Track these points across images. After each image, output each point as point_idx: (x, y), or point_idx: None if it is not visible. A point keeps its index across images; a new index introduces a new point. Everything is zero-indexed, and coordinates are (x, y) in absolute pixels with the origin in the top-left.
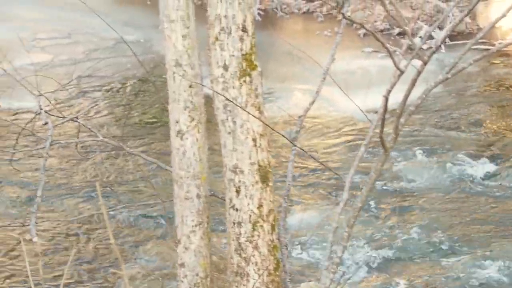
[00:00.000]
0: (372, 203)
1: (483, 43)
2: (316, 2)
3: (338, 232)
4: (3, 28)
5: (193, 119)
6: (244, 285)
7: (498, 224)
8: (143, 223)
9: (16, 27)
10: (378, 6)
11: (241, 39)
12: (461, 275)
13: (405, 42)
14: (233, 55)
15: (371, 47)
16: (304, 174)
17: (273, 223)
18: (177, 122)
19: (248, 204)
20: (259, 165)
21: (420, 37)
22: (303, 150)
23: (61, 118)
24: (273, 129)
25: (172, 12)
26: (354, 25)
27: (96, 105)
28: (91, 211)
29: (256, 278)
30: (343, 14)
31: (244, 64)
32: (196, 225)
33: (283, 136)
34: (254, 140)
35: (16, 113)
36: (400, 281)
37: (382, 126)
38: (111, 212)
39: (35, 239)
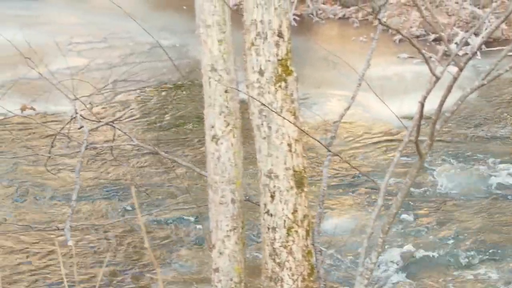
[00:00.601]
0: (406, 209)
1: None
2: (351, 8)
3: (372, 238)
4: (40, 33)
5: (228, 124)
6: None
7: None
8: (177, 227)
9: (52, 31)
10: (414, 12)
11: (277, 45)
12: (496, 284)
13: (441, 48)
14: (268, 60)
15: (407, 53)
16: (339, 180)
17: (308, 228)
18: (212, 127)
19: (283, 209)
20: (294, 170)
21: (456, 43)
22: (338, 155)
23: (96, 122)
24: (308, 135)
25: (208, 17)
26: (390, 31)
27: (132, 109)
28: (126, 215)
29: (291, 284)
30: (379, 20)
31: (280, 70)
32: (230, 230)
33: (318, 141)
34: (289, 145)
35: (52, 117)
36: None
37: (418, 132)
38: (146, 216)
39: (70, 242)
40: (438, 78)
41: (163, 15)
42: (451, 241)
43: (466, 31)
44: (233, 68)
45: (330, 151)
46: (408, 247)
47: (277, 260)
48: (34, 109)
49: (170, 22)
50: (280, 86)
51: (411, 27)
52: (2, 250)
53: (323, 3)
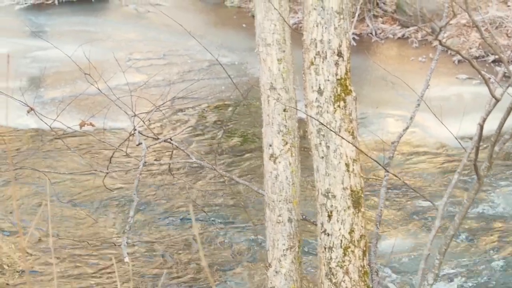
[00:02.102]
0: (464, 231)
1: None
2: (411, 28)
3: (429, 259)
4: (99, 48)
5: (286, 143)
6: None
7: None
8: (234, 245)
9: (111, 47)
10: (473, 33)
11: (336, 64)
12: None
13: (500, 70)
14: (328, 80)
15: (466, 74)
16: (397, 200)
17: (364, 248)
18: (270, 145)
19: (340, 229)
20: (352, 190)
21: None
22: (396, 176)
23: (154, 139)
24: (366, 154)
25: (268, 35)
26: (449, 51)
27: (190, 126)
28: (183, 231)
29: None
30: (439, 41)
31: (339, 89)
32: (287, 249)
33: (376, 161)
34: (347, 165)
35: (110, 133)
36: None
37: (476, 154)
38: (203, 234)
39: (126, 259)
40: (497, 100)
41: (222, 32)
42: (510, 264)
43: None
44: (292, 87)
45: (388, 171)
46: (465, 269)
47: (333, 280)
48: (93, 125)
49: (229, 39)
50: (339, 106)
51: (470, 48)
52: (60, 265)
53: (383, 23)
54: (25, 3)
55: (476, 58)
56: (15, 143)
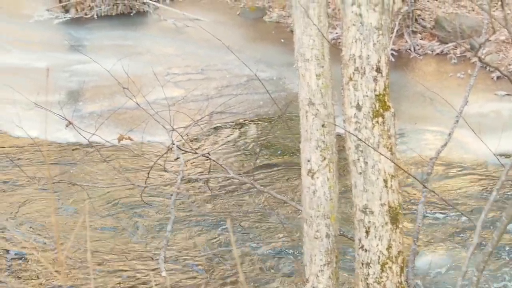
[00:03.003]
0: (503, 247)
1: None
2: (450, 44)
3: (467, 276)
4: (138, 63)
5: (324, 158)
6: None
7: None
8: (271, 260)
9: (150, 61)
10: None
11: (375, 80)
12: None
13: None
14: (366, 96)
15: (505, 91)
16: (435, 216)
17: (402, 264)
18: (308, 161)
19: (377, 245)
20: (389, 206)
21: None
22: (434, 192)
23: (192, 154)
24: (404, 170)
25: (307, 51)
26: (488, 67)
27: (228, 141)
28: (220, 246)
29: None
30: (478, 57)
31: (377, 105)
32: (324, 265)
33: (414, 177)
34: (385, 181)
35: (148, 147)
36: None
37: None
38: (240, 248)
39: (163, 273)
40: None
41: (261, 47)
42: None
43: None
44: (330, 102)
45: (426, 187)
46: (504, 285)
47: None
48: (131, 139)
49: (268, 54)
50: (377, 122)
51: (509, 65)
52: (97, 280)
53: (422, 39)
54: (64, 17)
55: None
56: (53, 156)
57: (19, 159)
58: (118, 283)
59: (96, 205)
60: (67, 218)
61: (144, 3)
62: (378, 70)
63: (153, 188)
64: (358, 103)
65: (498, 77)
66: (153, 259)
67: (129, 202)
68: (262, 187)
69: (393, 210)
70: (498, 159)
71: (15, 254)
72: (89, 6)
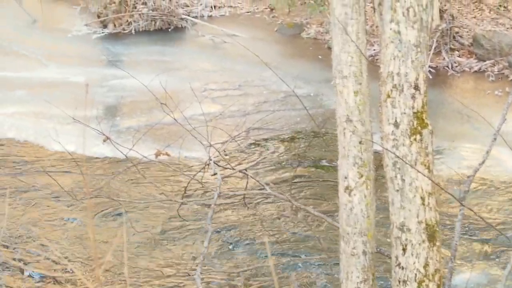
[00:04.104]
0: None
1: None
2: (487, 62)
3: None
4: (176, 78)
5: (362, 176)
6: None
7: None
8: (307, 277)
9: (187, 77)
10: None
11: (413, 97)
12: None
13: None
14: (404, 113)
15: None
16: (472, 234)
17: (439, 282)
18: (345, 177)
19: (414, 263)
20: (427, 224)
21: None
22: (471, 210)
23: (229, 170)
24: (442, 188)
25: (344, 67)
26: None
27: (265, 157)
28: (257, 262)
29: None
30: None
31: (415, 122)
32: (361, 282)
33: (451, 195)
34: (422, 198)
35: (186, 163)
36: None
37: None
38: (277, 265)
39: None
40: None
41: (298, 63)
42: None
43: None
44: (368, 119)
45: (463, 205)
46: None
47: None
48: (168, 155)
49: (305, 71)
50: (415, 139)
51: None
52: None
53: (459, 56)
54: (102, 32)
55: None
56: (91, 171)
57: (56, 173)
58: None
59: (133, 220)
60: (104, 233)
61: (182, 19)
62: (416, 87)
63: (190, 204)
64: (396, 120)
65: None
66: (189, 275)
67: (166, 217)
68: (299, 204)
69: (430, 227)
70: None
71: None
72: (127, 21)
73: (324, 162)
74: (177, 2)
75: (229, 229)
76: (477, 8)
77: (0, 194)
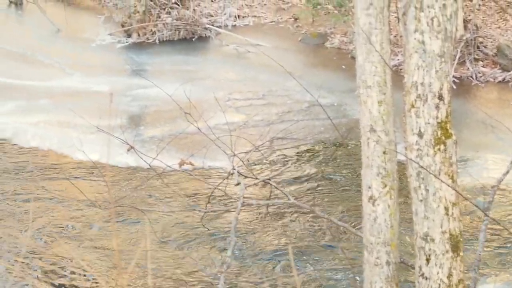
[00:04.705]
0: None
1: None
2: None
3: None
4: (199, 88)
5: (385, 185)
6: None
7: None
8: (332, 287)
9: (211, 86)
10: None
11: (437, 107)
12: None
13: None
14: (428, 123)
15: None
16: (496, 245)
17: None
18: (369, 187)
19: (438, 273)
20: (450, 234)
21: None
22: (495, 220)
23: (253, 179)
24: (465, 198)
25: (368, 77)
26: None
27: (289, 167)
28: (281, 272)
29: None
30: None
31: (439, 132)
32: None
33: (475, 205)
34: (446, 208)
35: (209, 172)
36: None
37: None
38: (301, 275)
39: None
40: None
41: (322, 73)
42: None
43: None
44: (392, 129)
45: (487, 215)
46: None
47: None
48: (192, 164)
49: (329, 80)
50: (439, 149)
51: None
52: None
53: (483, 66)
54: (126, 42)
55: None
56: (115, 180)
57: (80, 182)
58: None
59: (156, 229)
60: (128, 241)
61: (206, 29)
62: (440, 97)
63: (214, 213)
64: (420, 130)
65: None
66: (212, 284)
67: (189, 226)
68: (322, 213)
69: (454, 238)
70: None
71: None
72: (151, 31)
73: (347, 172)
74: (201, 12)
75: (252, 238)
76: (501, 18)
77: (24, 203)
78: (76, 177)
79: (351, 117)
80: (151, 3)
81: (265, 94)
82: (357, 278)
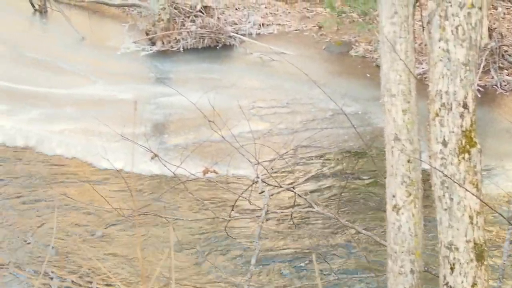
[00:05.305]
0: None
1: None
2: None
3: None
4: (223, 96)
5: (410, 194)
6: None
7: None
8: None
9: (235, 95)
10: None
11: (462, 116)
12: None
13: None
14: (452, 132)
15: None
16: None
17: None
18: (393, 196)
19: (462, 282)
20: (475, 243)
21: None
22: None
23: (277, 187)
24: (490, 207)
25: (393, 86)
26: None
27: (313, 175)
28: (305, 280)
29: None
30: None
31: (464, 141)
32: None
33: (500, 214)
34: (470, 217)
35: (233, 181)
36: None
37: None
38: (325, 283)
39: None
40: None
41: (346, 81)
42: None
43: None
44: (416, 138)
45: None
46: None
47: None
48: (216, 172)
49: (353, 89)
50: (463, 158)
51: None
52: None
53: (508, 75)
54: (151, 50)
55: None
56: (138, 188)
57: (104, 190)
58: None
59: (180, 237)
60: (152, 250)
61: (230, 37)
62: (465, 106)
63: (237, 221)
64: (444, 139)
65: None
66: None
67: (213, 234)
68: (346, 222)
69: (478, 247)
70: None
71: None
72: (176, 39)
73: (371, 181)
74: (225, 20)
75: (277, 247)
76: None
77: (48, 211)
78: (100, 185)
79: (376, 126)
80: (176, 11)
81: (289, 102)
82: (381, 286)
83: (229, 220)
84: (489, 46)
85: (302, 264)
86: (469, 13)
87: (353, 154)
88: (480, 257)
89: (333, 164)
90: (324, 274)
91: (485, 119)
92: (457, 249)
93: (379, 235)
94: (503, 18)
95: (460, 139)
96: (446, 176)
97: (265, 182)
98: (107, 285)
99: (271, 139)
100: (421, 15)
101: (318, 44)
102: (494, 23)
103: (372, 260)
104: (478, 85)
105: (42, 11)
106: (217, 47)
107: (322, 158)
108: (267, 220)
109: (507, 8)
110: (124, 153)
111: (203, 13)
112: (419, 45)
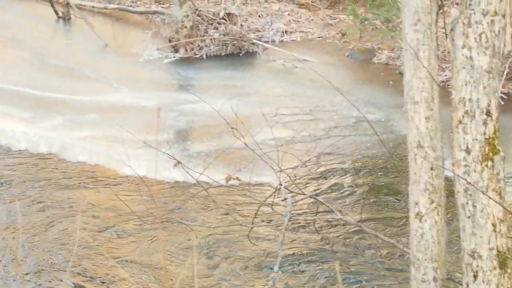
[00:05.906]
0: None
1: None
2: None
3: None
4: (246, 103)
5: (432, 202)
6: None
7: None
8: None
9: (258, 102)
10: None
11: (485, 123)
12: None
13: None
14: (476, 139)
15: None
16: None
17: None
18: (416, 203)
19: None
20: (498, 251)
21: None
22: None
23: (300, 195)
24: None
25: (416, 93)
26: None
27: (336, 183)
28: None
29: None
30: None
31: (487, 149)
32: None
33: None
34: (493, 225)
35: (255, 188)
36: None
37: None
38: None
39: None
40: None
41: (369, 89)
42: None
43: None
44: (439, 145)
45: None
46: None
47: None
48: (238, 180)
49: (376, 96)
50: (486, 165)
51: None
52: None
53: None
54: (174, 57)
55: None
56: (161, 195)
57: (127, 197)
58: None
59: (203, 244)
60: (174, 257)
61: (253, 44)
62: (488, 113)
63: (260, 229)
64: (467, 147)
65: None
66: None
67: (235, 242)
68: (369, 229)
69: (501, 254)
70: None
71: None
72: (199, 46)
73: (395, 188)
74: (248, 27)
75: (299, 254)
76: None
77: (71, 217)
78: (123, 192)
79: (398, 133)
80: (199, 18)
81: (312, 110)
82: None
83: (252, 227)
84: None
85: (325, 272)
86: (492, 21)
87: (376, 162)
88: (503, 264)
89: (356, 171)
90: (347, 282)
91: (508, 126)
92: (480, 256)
93: (402, 243)
94: None
95: (483, 147)
96: (469, 183)
97: (287, 189)
98: None
99: (294, 146)
100: (444, 22)
101: (341, 51)
102: None
103: (395, 268)
104: (501, 92)
105: (65, 18)
106: (240, 54)
107: (344, 165)
108: (290, 227)
109: None
110: (147, 160)
111: (226, 20)
112: (442, 52)
